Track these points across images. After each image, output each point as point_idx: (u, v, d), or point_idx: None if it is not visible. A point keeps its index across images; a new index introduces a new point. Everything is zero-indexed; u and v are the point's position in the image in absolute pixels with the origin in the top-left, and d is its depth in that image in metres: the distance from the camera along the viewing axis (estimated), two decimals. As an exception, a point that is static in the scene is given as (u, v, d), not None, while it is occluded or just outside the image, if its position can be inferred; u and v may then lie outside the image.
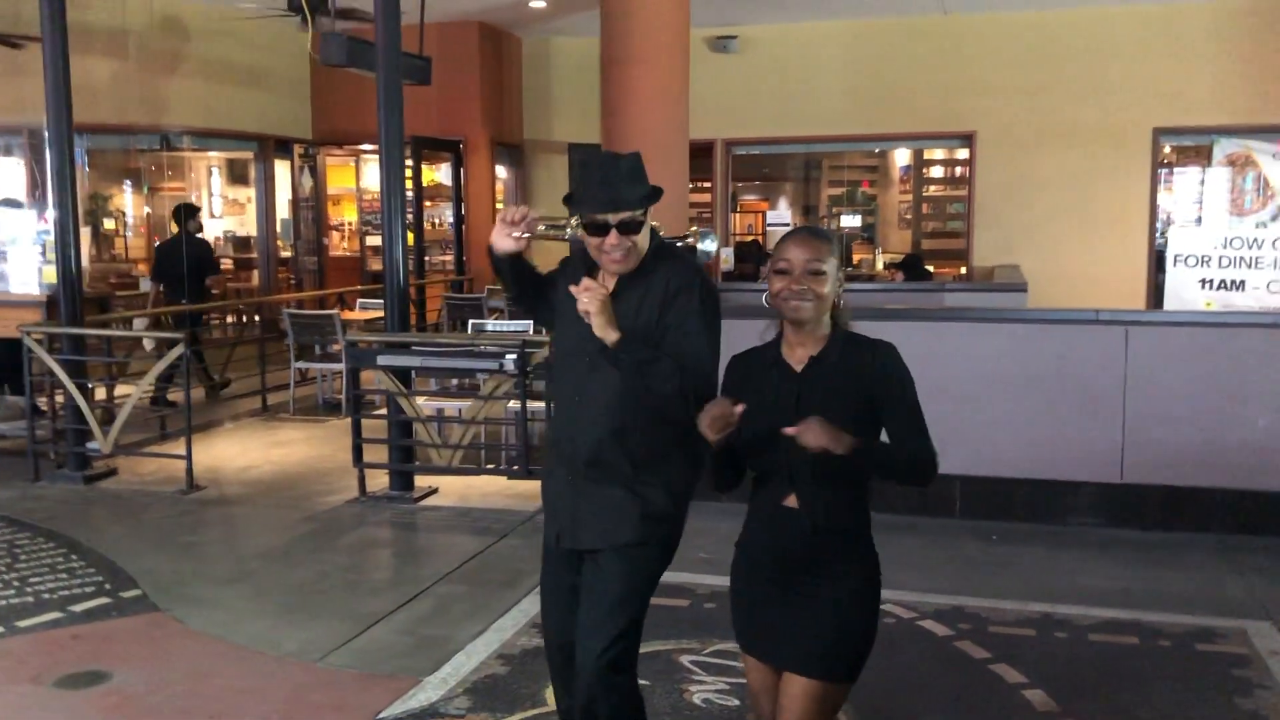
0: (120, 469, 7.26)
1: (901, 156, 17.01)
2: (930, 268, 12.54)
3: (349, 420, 6.62)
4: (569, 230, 3.08)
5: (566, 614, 2.95)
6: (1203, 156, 12.17)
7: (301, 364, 9.46)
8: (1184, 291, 10.27)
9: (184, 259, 9.35)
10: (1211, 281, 10.23)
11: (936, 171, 16.79)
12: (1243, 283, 10.22)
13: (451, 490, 6.78)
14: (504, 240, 2.84)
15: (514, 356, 6.17)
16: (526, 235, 2.83)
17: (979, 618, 4.60)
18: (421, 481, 6.78)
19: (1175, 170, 13.01)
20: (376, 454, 6.77)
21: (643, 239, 2.75)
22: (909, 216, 17.05)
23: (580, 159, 3.15)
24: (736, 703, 3.84)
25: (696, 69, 10.81)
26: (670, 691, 3.93)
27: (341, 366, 9.14)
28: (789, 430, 2.29)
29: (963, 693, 3.93)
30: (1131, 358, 5.69)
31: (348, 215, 14.84)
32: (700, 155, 12.43)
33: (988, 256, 12.35)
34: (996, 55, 12.01)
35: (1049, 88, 11.88)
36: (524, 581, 5.14)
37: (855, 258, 15.79)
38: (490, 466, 7.04)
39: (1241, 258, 10.26)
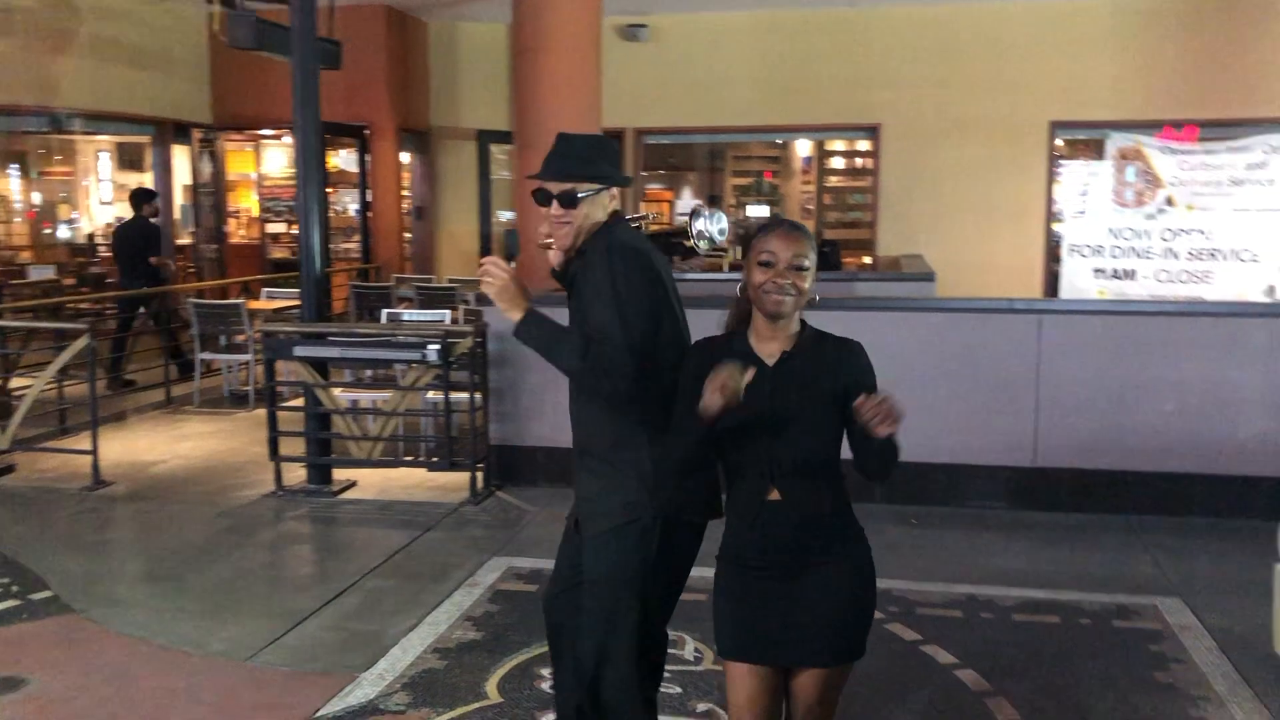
0: (19, 465, 6.97)
1: (803, 147, 17.24)
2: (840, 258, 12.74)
3: (258, 413, 6.48)
4: (643, 224, 3.13)
5: (559, 593, 3.01)
6: (1095, 150, 12.58)
7: (207, 355, 9.19)
8: (1078, 280, 10.62)
9: (133, 241, 9.56)
10: (1104, 270, 10.60)
11: (837, 162, 17.08)
12: (1133, 272, 10.60)
13: (371, 483, 6.67)
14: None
15: (437, 347, 6.09)
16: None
17: (906, 600, 4.70)
18: (339, 475, 6.66)
19: (1069, 163, 13.44)
20: (291, 447, 6.63)
21: (582, 216, 2.78)
22: (810, 207, 17.32)
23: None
24: (678, 690, 3.87)
25: (607, 57, 10.79)
26: (611, 681, 3.94)
27: (249, 357, 8.96)
28: (867, 406, 2.25)
29: (897, 674, 4.02)
30: (1044, 345, 5.88)
31: (243, 202, 14.44)
32: (610, 144, 12.40)
33: (892, 246, 12.59)
34: (901, 49, 12.24)
35: (951, 81, 12.15)
36: (453, 574, 5.09)
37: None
38: (409, 459, 6.95)
39: (1132, 248, 10.64)
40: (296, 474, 6.63)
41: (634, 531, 2.77)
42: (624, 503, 2.77)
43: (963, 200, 12.25)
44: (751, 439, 2.41)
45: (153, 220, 10.22)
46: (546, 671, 4.00)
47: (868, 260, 13.26)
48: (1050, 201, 12.46)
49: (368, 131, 12.66)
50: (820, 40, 12.42)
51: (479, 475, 6.38)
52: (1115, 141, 11.25)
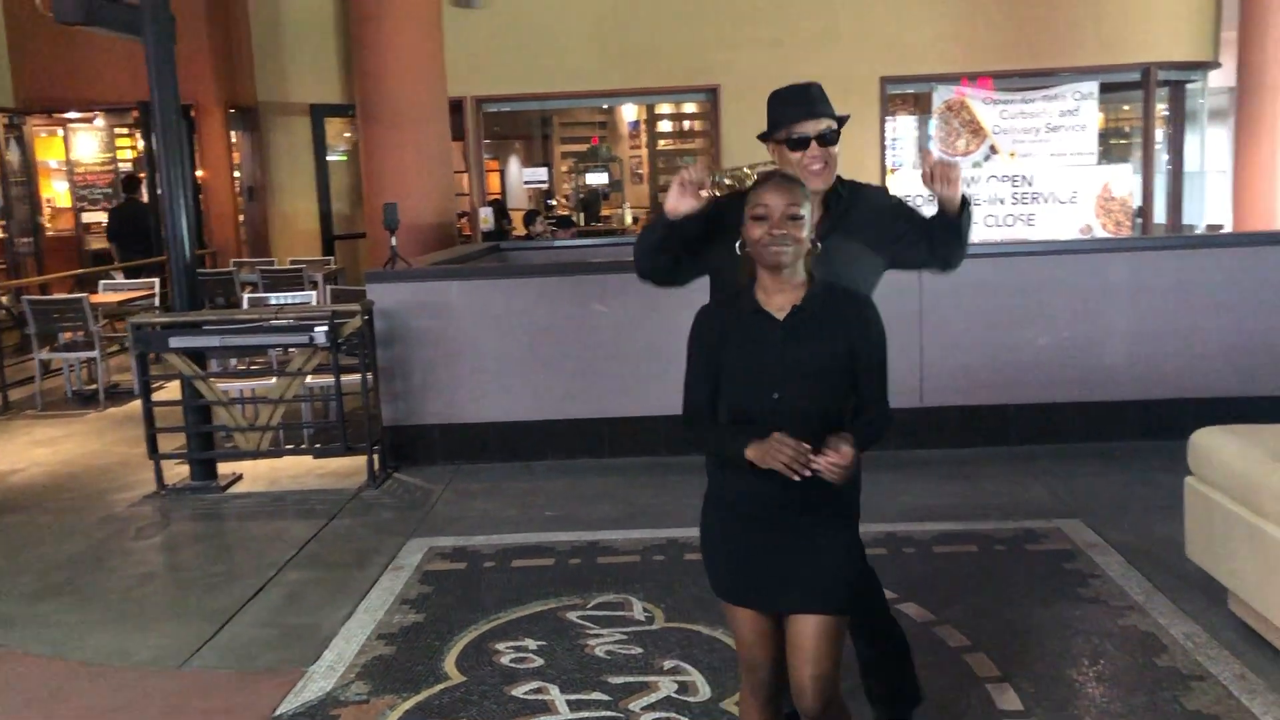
0: None
1: (629, 112, 17.32)
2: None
3: (111, 412, 6.12)
4: (748, 178, 3.12)
5: None
6: (924, 104, 13.12)
7: (45, 354, 8.59)
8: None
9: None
10: (938, 219, 11.11)
11: (665, 126, 17.23)
12: (964, 219, 11.15)
13: (258, 475, 6.41)
14: (686, 201, 2.75)
15: (325, 328, 5.88)
16: (712, 192, 2.84)
17: (833, 543, 4.86)
18: (224, 469, 6.37)
19: (900, 116, 13.98)
20: (167, 444, 6.30)
21: (838, 154, 2.90)
22: (641, 171, 17.44)
23: (772, 94, 3.26)
24: (640, 650, 3.89)
25: (443, 25, 10.59)
26: (571, 648, 3.93)
27: (95, 354, 8.43)
28: (823, 466, 2.29)
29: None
30: (925, 289, 6.12)
31: (47, 192, 13.46)
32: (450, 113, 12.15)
33: (737, 205, 12.81)
34: (736, 10, 12.42)
35: (785, 40, 12.40)
36: (374, 560, 4.96)
37: (605, 212, 16.02)
38: (296, 446, 6.71)
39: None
40: (177, 472, 6.31)
41: None
42: None
43: (802, 157, 12.55)
44: (762, 390, 2.42)
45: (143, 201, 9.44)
46: (502, 645, 3.97)
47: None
48: (884, 154, 12.93)
49: (193, 110, 12.02)
50: (657, 4, 12.47)
51: (375, 458, 6.21)
52: (941, 94, 11.74)
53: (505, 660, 3.87)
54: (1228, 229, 12.13)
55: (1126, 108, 13.82)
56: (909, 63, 12.46)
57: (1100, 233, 9.88)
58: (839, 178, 2.94)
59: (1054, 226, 10.01)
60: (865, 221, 2.93)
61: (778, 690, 2.61)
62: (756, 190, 2.48)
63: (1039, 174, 10.93)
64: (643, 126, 17.32)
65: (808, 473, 2.28)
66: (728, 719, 3.41)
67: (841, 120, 2.91)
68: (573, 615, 4.24)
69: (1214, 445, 3.86)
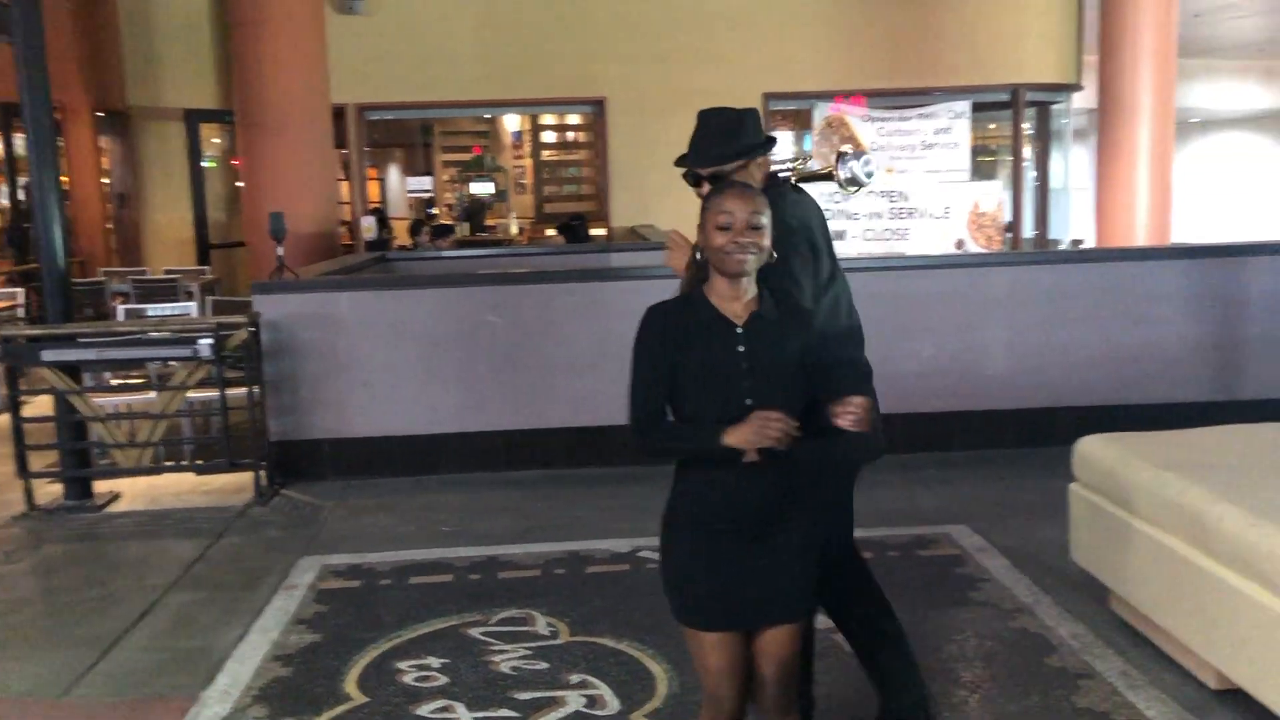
0: None
1: (512, 122, 17.26)
2: (592, 231, 12.91)
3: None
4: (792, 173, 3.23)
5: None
6: (805, 120, 13.38)
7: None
8: (795, 242, 11.32)
9: None
10: (821, 232, 11.36)
11: (549, 136, 17.23)
12: (844, 232, 11.38)
13: (137, 493, 6.17)
14: (679, 257, 2.84)
15: (209, 340, 5.71)
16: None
17: (731, 553, 4.91)
18: (100, 487, 6.11)
19: (781, 132, 14.22)
20: (37, 462, 6.02)
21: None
22: (524, 181, 17.40)
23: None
24: (546, 665, 3.87)
25: (326, 31, 10.38)
26: (476, 665, 3.89)
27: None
28: (849, 418, 2.33)
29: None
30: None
31: None
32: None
33: (624, 218, 12.88)
34: (623, 23, 12.49)
35: (670, 55, 12.52)
36: (264, 580, 4.82)
37: (490, 221, 15.91)
38: (177, 463, 6.48)
39: (841, 210, 11.44)
40: (48, 491, 6.03)
41: None
42: None
43: (690, 170, 12.69)
44: (729, 401, 2.40)
45: None
46: (404, 664, 3.91)
47: (603, 232, 13.50)
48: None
49: (59, 114, 11.50)
50: (544, 15, 12.46)
51: (262, 474, 6.04)
52: (821, 111, 12.02)
53: (408, 679, 3.80)
54: (1090, 244, 12.70)
55: (993, 126, 14.38)
56: (791, 80, 12.71)
57: (973, 247, 10.21)
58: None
59: (928, 241, 10.32)
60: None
61: (743, 714, 2.59)
62: (717, 198, 2.47)
63: (914, 190, 11.27)
64: (525, 136, 17.28)
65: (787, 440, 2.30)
66: (638, 731, 3.41)
67: (764, 146, 3.01)
68: (475, 632, 4.19)
69: (1096, 452, 4.04)
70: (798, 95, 12.88)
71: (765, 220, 2.45)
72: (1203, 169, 21.67)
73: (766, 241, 2.46)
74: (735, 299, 2.48)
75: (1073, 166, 14.20)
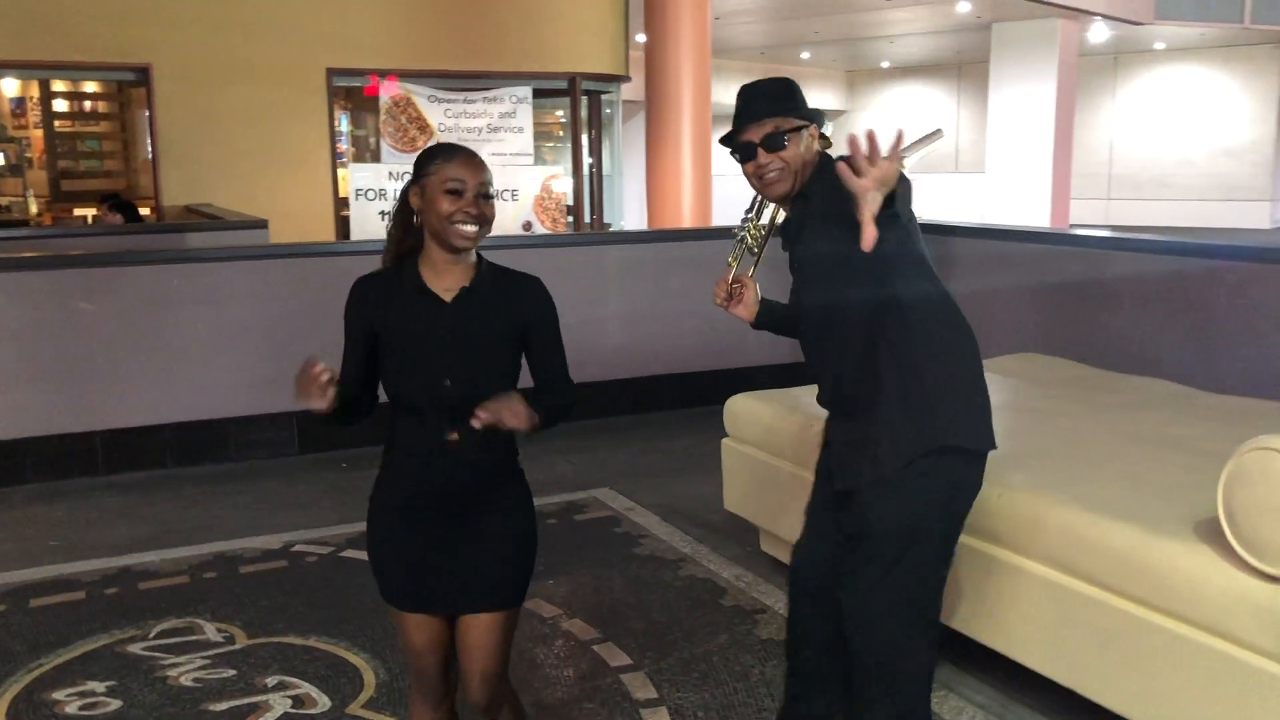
0: None
1: (9, 87, 15.29)
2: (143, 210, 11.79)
3: None
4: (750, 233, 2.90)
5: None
6: (358, 99, 13.17)
7: None
8: (367, 224, 11.17)
9: None
10: (388, 214, 11.31)
11: (62, 105, 15.50)
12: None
13: None
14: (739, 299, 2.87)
15: None
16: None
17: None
18: None
19: (348, 110, 13.86)
20: None
21: (793, 156, 2.61)
22: (30, 155, 15.50)
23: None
24: (233, 672, 3.60)
25: None
26: (150, 683, 3.53)
27: None
28: (481, 419, 2.21)
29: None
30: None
31: None
32: None
33: (176, 196, 11.92)
34: (172, -15, 11.51)
35: (227, 23, 11.72)
36: None
37: (2, 200, 13.99)
38: None
39: (413, 191, 11.50)
40: None
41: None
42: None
43: (250, 147, 11.98)
44: (431, 376, 2.32)
45: None
46: (61, 694, 3.46)
47: (146, 211, 12.37)
48: (334, 147, 12.77)
49: None
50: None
51: None
52: (389, 89, 11.93)
53: (72, 709, 3.37)
54: (642, 226, 13.68)
55: (560, 113, 14.99)
56: (354, 55, 12.40)
57: (540, 229, 10.67)
58: (821, 168, 2.63)
59: (498, 223, 10.64)
60: (830, 208, 2.47)
61: (451, 687, 2.55)
62: (443, 162, 2.35)
63: (483, 172, 11.50)
64: (30, 105, 15.35)
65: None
66: (363, 723, 3.30)
67: (808, 115, 2.63)
68: (136, 648, 3.78)
69: (744, 407, 4.45)
70: (362, 71, 12.58)
71: (493, 190, 2.37)
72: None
73: (493, 213, 2.38)
74: (448, 272, 2.38)
75: (626, 154, 15.18)
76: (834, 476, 2.73)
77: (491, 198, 2.37)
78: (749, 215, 2.87)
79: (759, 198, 2.82)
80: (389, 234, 2.49)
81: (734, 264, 2.87)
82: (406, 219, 2.42)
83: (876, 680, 2.64)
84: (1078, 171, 19.01)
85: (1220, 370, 4.94)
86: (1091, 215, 21.93)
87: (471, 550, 2.38)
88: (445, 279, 2.38)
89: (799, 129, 2.60)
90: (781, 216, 2.81)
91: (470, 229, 2.33)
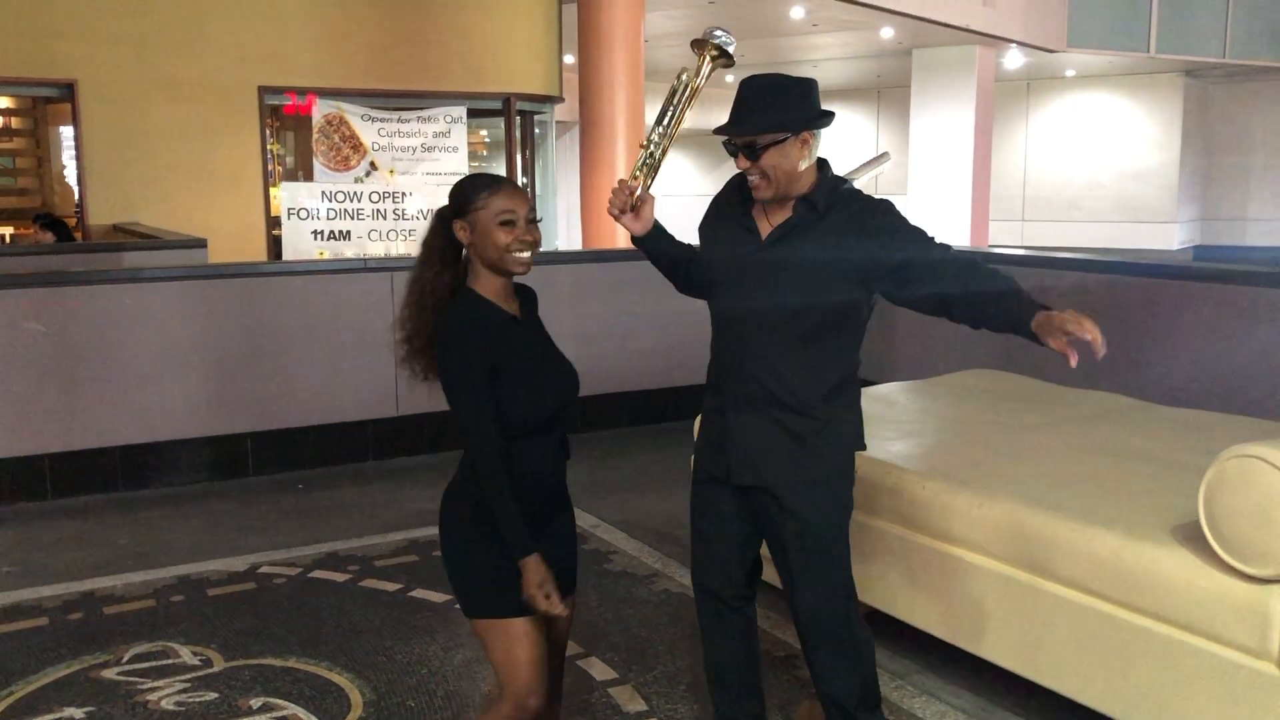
0: None
1: (-92, 101, 14.81)
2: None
3: None
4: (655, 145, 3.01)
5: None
6: (284, 118, 13.02)
7: None
8: (299, 243, 11.09)
9: None
10: (322, 233, 11.22)
11: (-26, 123, 15.05)
12: (349, 232, 11.39)
13: None
14: (633, 223, 2.88)
15: None
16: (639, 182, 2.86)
17: (362, 557, 4.78)
18: None
19: (283, 129, 13.70)
20: None
21: (771, 164, 2.61)
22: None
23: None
24: (215, 695, 3.55)
25: None
26: (130, 707, 3.46)
27: None
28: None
29: (402, 622, 4.14)
30: (398, 300, 6.21)
31: None
32: None
33: (103, 215, 11.66)
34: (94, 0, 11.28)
35: (151, 40, 11.52)
36: None
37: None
38: None
39: (345, 210, 11.42)
40: None
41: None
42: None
43: (179, 165, 11.77)
44: (544, 393, 2.45)
45: None
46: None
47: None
48: (266, 166, 12.61)
49: None
50: (-8, -20, 10.88)
51: None
52: (321, 108, 11.86)
53: (51, 731, 3.30)
54: (574, 246, 13.72)
55: (484, 133, 14.99)
56: (287, 74, 12.28)
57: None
58: (828, 180, 2.69)
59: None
60: (838, 232, 2.63)
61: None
62: (492, 194, 2.40)
63: (416, 191, 11.49)
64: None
65: None
66: (357, 743, 3.28)
67: (795, 123, 2.58)
68: (110, 674, 3.71)
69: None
70: (295, 90, 12.48)
71: (539, 215, 2.47)
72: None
73: (541, 236, 2.46)
74: (510, 296, 2.49)
75: (560, 173, 15.24)
76: (741, 473, 2.80)
77: (539, 221, 2.46)
78: (663, 129, 2.86)
79: (673, 110, 2.85)
80: (422, 279, 2.48)
81: (641, 176, 2.85)
82: (447, 255, 2.46)
83: (839, 656, 2.82)
84: (994, 194, 19.55)
85: (1145, 381, 5.23)
86: (1008, 236, 22.54)
87: (557, 546, 2.55)
88: (509, 304, 2.48)
89: (780, 142, 2.57)
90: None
91: (527, 255, 2.42)
